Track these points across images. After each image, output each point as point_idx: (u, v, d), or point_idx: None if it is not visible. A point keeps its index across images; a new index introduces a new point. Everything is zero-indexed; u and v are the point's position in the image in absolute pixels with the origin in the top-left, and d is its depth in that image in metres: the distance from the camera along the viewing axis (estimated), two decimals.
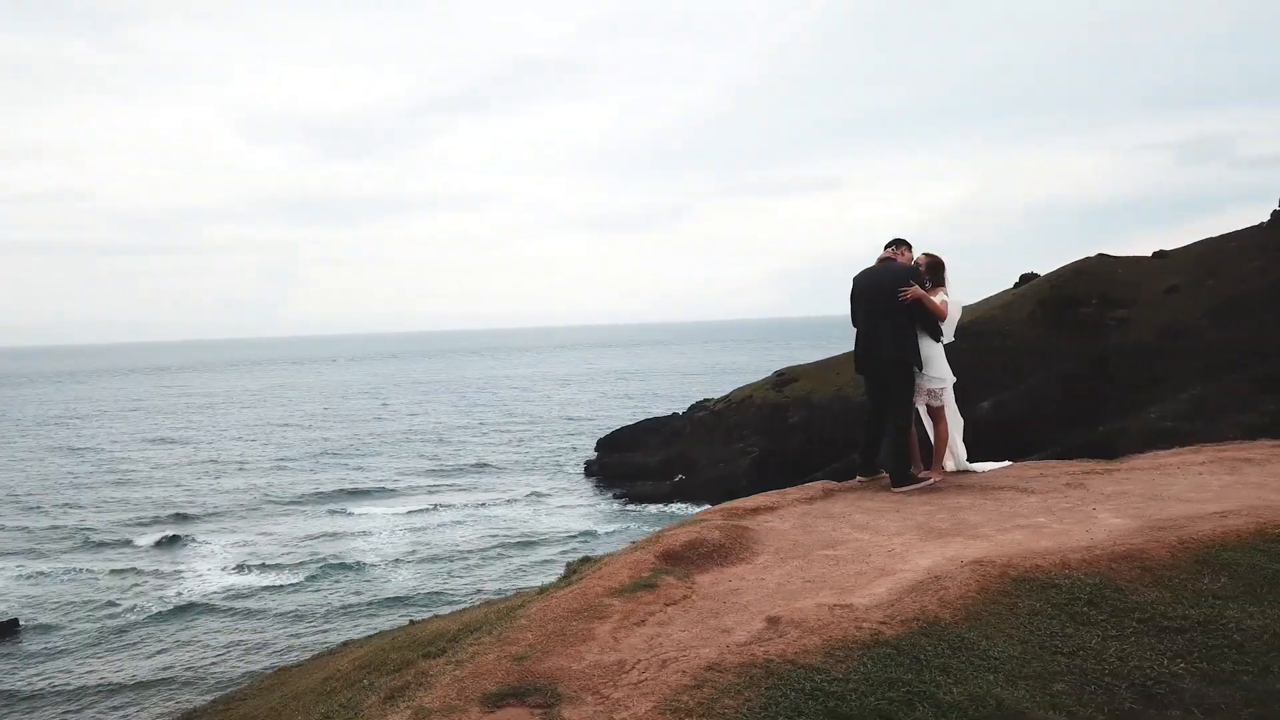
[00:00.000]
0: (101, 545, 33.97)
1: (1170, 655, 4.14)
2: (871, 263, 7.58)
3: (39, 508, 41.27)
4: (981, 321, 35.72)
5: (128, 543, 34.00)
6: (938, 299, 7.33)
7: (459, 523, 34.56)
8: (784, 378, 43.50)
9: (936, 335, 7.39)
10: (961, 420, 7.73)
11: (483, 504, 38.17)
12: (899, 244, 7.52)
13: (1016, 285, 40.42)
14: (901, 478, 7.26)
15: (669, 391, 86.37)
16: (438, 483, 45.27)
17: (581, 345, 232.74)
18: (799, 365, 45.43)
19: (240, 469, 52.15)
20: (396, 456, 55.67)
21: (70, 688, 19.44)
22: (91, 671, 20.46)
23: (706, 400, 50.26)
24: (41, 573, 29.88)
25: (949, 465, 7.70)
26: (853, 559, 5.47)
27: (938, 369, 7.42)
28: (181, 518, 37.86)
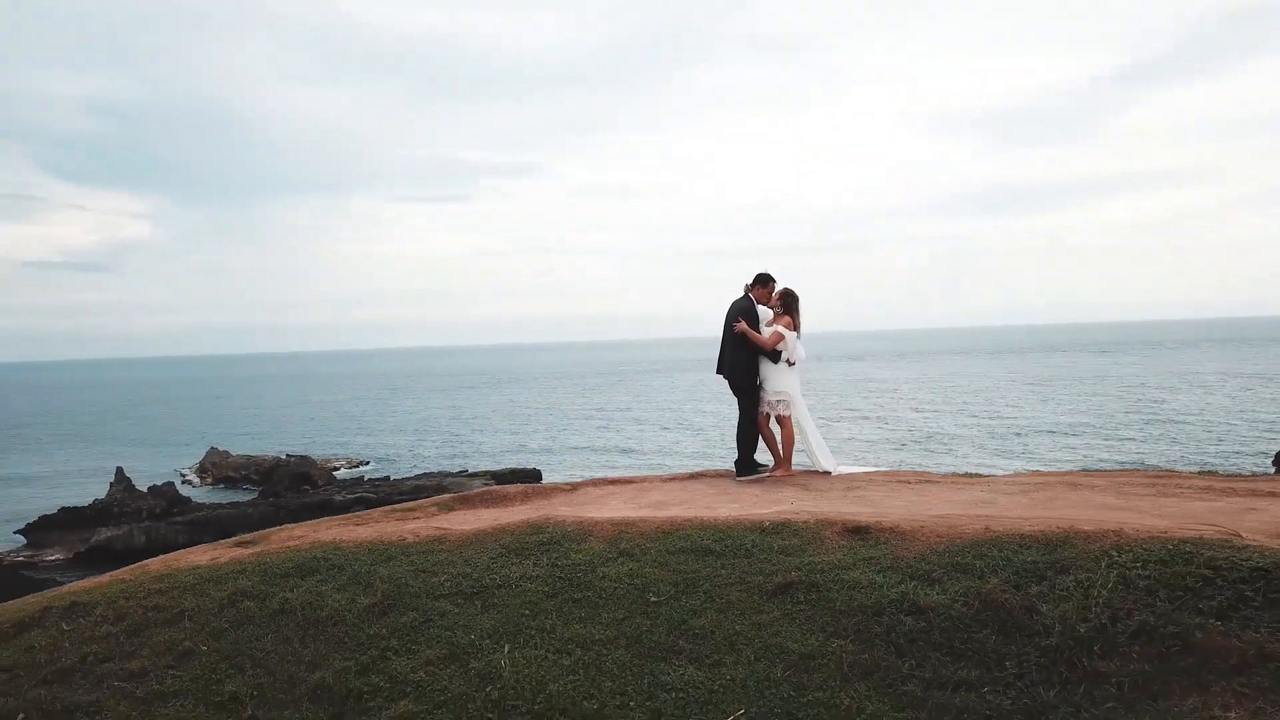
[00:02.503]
0: None
1: (523, 575, 6.43)
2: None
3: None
4: None
5: None
6: (771, 330, 8.89)
7: None
8: None
9: (775, 359, 8.92)
10: (814, 427, 9.03)
11: None
12: (758, 281, 9.14)
13: None
14: (743, 470, 9.05)
15: None
16: None
17: None
18: None
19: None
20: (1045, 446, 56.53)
21: None
22: None
23: None
24: None
25: (824, 465, 9.11)
26: (556, 510, 8.04)
27: (776, 385, 8.92)
28: None
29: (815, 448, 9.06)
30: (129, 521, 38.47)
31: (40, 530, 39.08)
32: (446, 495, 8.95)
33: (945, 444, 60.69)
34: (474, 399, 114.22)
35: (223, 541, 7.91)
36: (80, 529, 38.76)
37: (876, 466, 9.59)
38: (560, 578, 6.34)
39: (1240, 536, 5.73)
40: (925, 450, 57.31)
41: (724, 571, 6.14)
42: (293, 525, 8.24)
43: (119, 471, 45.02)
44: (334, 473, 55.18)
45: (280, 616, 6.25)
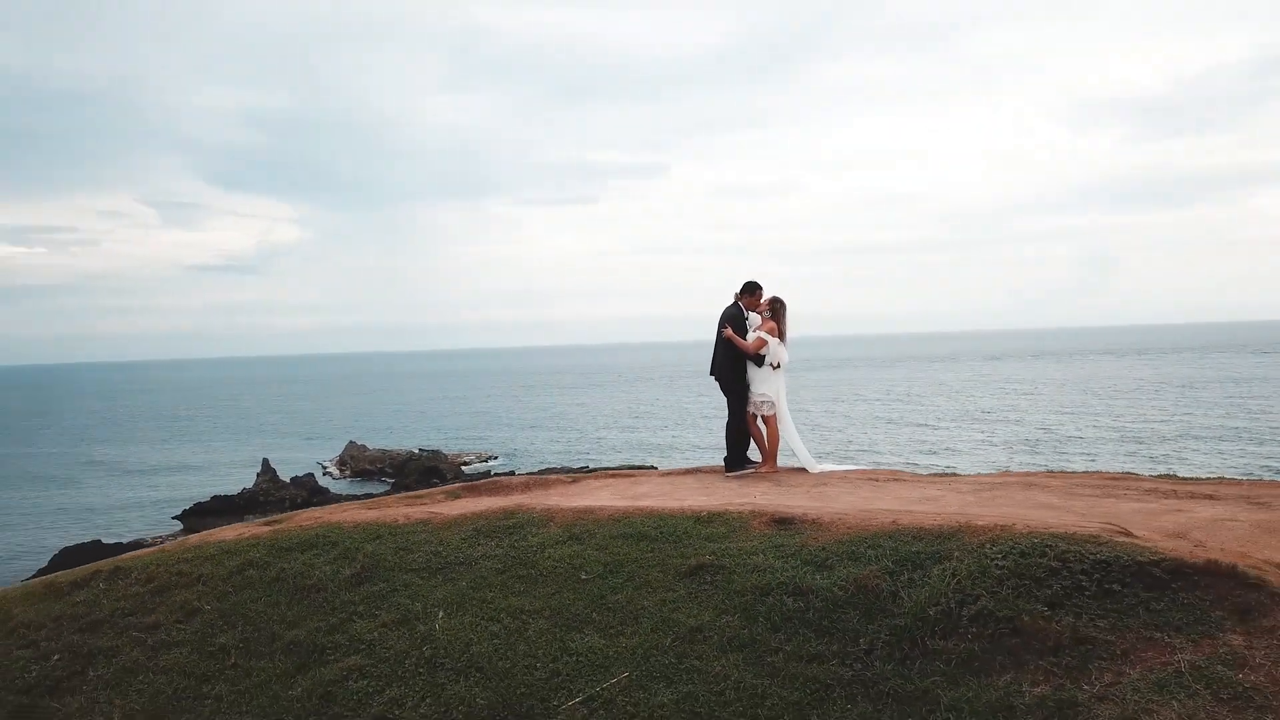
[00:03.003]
0: None
1: (484, 554, 7.23)
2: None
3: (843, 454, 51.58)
4: None
5: None
6: (754, 335, 9.42)
7: None
8: None
9: (759, 363, 9.44)
10: (792, 428, 9.49)
11: None
12: (745, 290, 9.67)
13: None
14: (732, 465, 9.61)
15: None
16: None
17: None
18: None
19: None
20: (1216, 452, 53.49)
21: None
22: None
23: None
24: None
25: (803, 464, 9.60)
26: (543, 499, 8.83)
27: (760, 388, 9.43)
28: None
29: (794, 448, 9.57)
30: (273, 510, 41.31)
31: (194, 516, 42.30)
32: (457, 484, 9.87)
33: (1084, 448, 58.05)
34: (600, 396, 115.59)
35: (255, 520, 9.05)
36: (229, 516, 41.78)
37: (858, 465, 10.00)
38: (513, 557, 7.14)
39: (1129, 534, 6.07)
40: (1060, 454, 54.85)
41: (650, 555, 6.80)
42: (317, 508, 9.32)
43: (265, 463, 48.15)
44: (463, 467, 57.07)
45: (276, 583, 7.26)
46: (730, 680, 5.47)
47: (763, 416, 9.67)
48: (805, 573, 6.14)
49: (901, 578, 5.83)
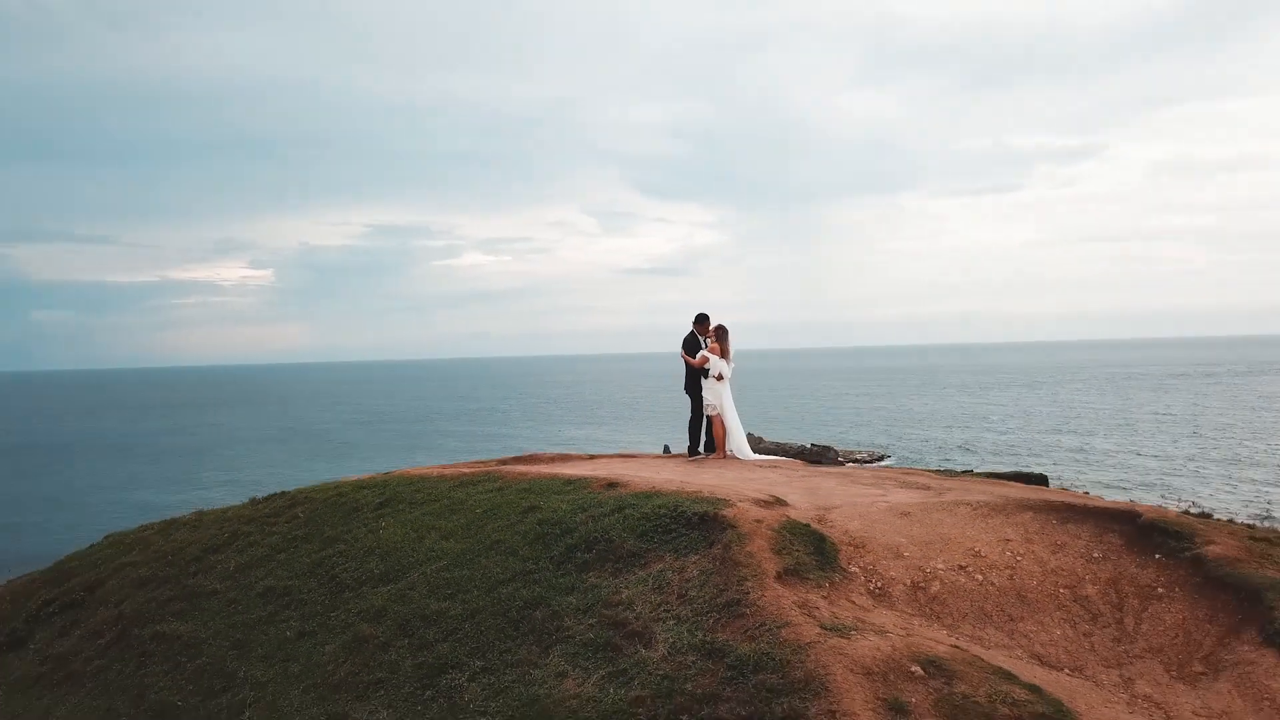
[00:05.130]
0: None
1: (448, 496, 11.27)
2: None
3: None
4: None
5: None
6: (699, 354, 12.37)
7: None
8: None
9: (704, 375, 12.38)
10: (738, 426, 12.25)
11: None
12: (697, 320, 12.62)
13: None
14: (691, 453, 12.67)
15: None
16: None
17: None
18: None
19: None
20: None
21: None
22: None
23: None
24: None
25: (737, 454, 12.40)
26: (556, 471, 12.61)
27: (708, 396, 12.37)
28: None
29: (733, 442, 12.50)
30: None
31: None
32: (509, 455, 13.95)
33: None
34: (1007, 398, 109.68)
35: (377, 472, 13.87)
36: None
37: (782, 458, 12.61)
38: (458, 499, 11.17)
39: (781, 503, 8.85)
40: None
41: (518, 500, 10.49)
42: (413, 467, 13.93)
43: (665, 449, 54.78)
44: (848, 462, 58.36)
45: (340, 506, 11.92)
46: (486, 568, 9.07)
47: (709, 416, 12.70)
48: (573, 514, 9.49)
49: (606, 516, 9.05)
